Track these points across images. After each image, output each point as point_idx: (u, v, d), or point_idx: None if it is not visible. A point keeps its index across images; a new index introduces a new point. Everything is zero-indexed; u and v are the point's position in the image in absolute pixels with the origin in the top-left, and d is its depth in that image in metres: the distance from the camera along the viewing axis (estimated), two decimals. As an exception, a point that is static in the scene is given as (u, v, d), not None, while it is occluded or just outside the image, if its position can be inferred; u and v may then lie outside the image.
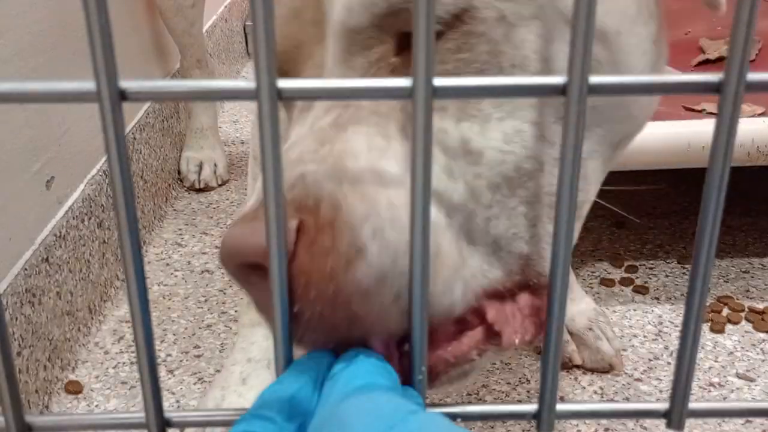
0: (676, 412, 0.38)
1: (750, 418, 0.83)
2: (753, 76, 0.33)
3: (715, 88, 0.33)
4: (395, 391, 0.35)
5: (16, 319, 0.84)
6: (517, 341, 0.42)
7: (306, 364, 0.36)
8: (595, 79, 0.33)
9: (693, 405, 0.38)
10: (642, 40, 0.46)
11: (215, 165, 1.38)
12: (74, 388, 0.91)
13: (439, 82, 0.32)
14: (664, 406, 0.38)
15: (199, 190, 1.36)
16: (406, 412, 0.30)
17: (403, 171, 0.41)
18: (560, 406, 0.38)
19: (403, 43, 0.43)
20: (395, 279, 0.38)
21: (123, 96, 0.32)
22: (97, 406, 0.89)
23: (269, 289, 0.36)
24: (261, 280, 0.38)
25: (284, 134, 0.46)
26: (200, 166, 1.36)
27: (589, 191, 0.47)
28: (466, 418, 0.38)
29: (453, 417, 0.38)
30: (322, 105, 0.44)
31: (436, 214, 0.41)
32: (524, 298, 0.44)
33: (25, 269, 0.86)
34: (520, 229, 0.43)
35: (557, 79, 0.33)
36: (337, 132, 0.42)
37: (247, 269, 0.38)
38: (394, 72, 0.43)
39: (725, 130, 0.33)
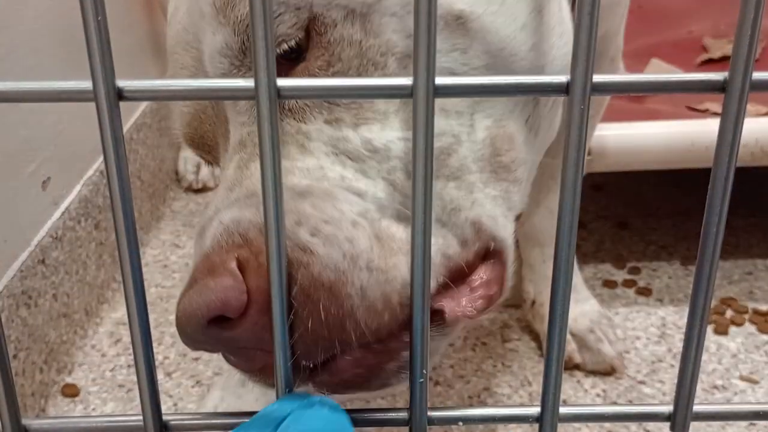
0: (680, 415, 0.37)
1: (754, 421, 0.83)
2: (758, 75, 0.32)
3: (719, 87, 0.32)
4: None
5: (12, 321, 0.83)
6: (460, 317, 0.41)
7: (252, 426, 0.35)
8: (598, 77, 0.32)
9: (697, 408, 0.37)
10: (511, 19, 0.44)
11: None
12: (71, 392, 0.90)
13: (440, 80, 0.32)
14: (668, 408, 0.38)
15: (197, 191, 1.36)
16: None
17: (312, 180, 0.41)
18: (563, 409, 0.37)
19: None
20: (353, 272, 0.38)
21: (120, 95, 0.32)
22: (93, 409, 0.88)
23: (236, 334, 0.37)
24: (227, 329, 0.38)
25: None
26: (198, 167, 1.36)
27: (518, 151, 0.46)
28: (468, 421, 0.37)
29: (455, 420, 0.37)
30: (229, 158, 0.45)
31: (365, 208, 0.41)
32: (479, 272, 0.43)
33: (21, 271, 0.86)
34: (458, 201, 0.43)
35: (560, 78, 0.32)
36: (241, 172, 0.43)
37: (209, 330, 0.38)
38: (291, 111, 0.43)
39: (730, 130, 0.33)
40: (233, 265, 0.38)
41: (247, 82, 0.32)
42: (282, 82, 0.32)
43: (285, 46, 0.42)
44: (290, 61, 0.42)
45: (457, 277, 0.42)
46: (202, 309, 0.37)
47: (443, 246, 0.42)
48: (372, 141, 0.42)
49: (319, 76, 0.42)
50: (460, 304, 0.41)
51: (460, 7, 0.42)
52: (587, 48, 0.31)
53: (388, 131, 0.42)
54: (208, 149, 0.50)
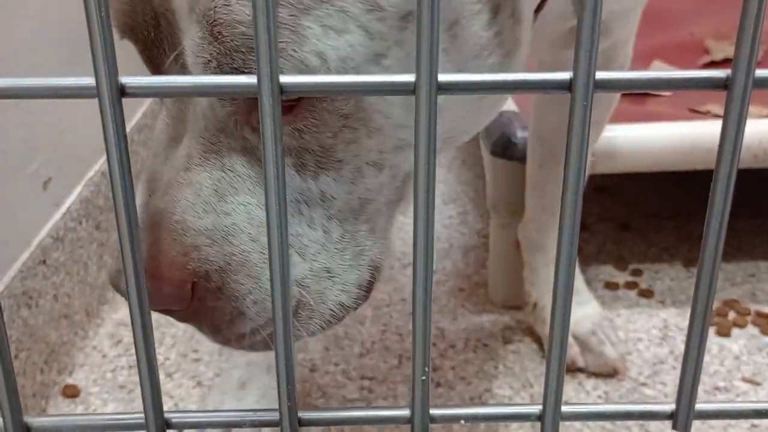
0: (682, 413, 0.37)
1: (756, 422, 0.83)
2: (761, 73, 0.32)
3: (722, 85, 0.32)
4: None
5: (13, 321, 0.83)
6: None
7: None
8: (601, 74, 0.32)
9: (699, 406, 0.37)
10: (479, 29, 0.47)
11: (215, 168, 1.36)
12: (71, 392, 0.90)
13: (443, 77, 0.32)
14: (670, 407, 0.38)
15: (199, 193, 1.35)
16: None
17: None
18: (565, 408, 0.37)
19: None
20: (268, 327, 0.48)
21: (123, 91, 0.32)
22: (94, 410, 0.88)
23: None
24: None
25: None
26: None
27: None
28: (470, 419, 0.37)
29: (456, 419, 0.37)
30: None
31: (302, 267, 0.48)
32: None
33: (22, 271, 0.86)
34: (367, 245, 0.51)
35: (563, 75, 0.32)
36: (219, 200, 0.47)
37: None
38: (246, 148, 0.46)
39: (733, 128, 0.32)
40: (188, 286, 0.46)
41: (250, 79, 0.32)
42: (285, 78, 0.32)
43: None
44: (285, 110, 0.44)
45: None
46: (156, 304, 0.44)
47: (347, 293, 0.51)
48: (326, 192, 0.47)
49: (305, 134, 0.45)
50: None
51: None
52: (590, 44, 0.31)
53: (341, 181, 0.48)
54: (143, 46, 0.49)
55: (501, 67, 0.48)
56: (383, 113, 0.45)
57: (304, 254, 0.48)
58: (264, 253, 0.46)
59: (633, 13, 0.73)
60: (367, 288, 0.52)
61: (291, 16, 0.41)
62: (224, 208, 0.46)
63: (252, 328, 0.48)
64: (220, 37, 0.41)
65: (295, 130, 0.45)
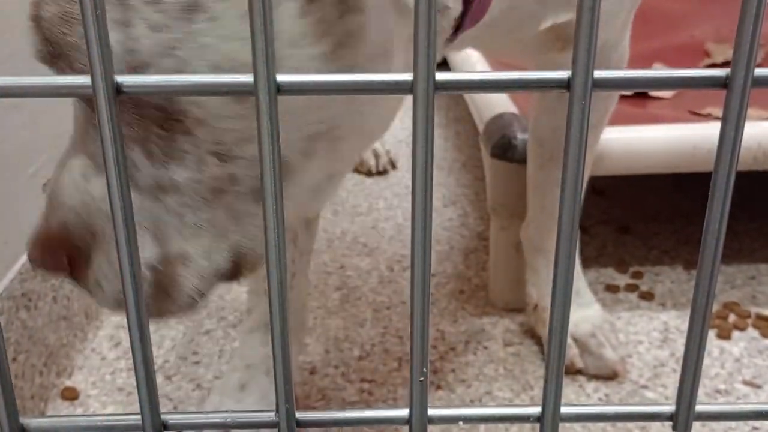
0: (682, 414, 0.37)
1: (757, 424, 0.83)
2: (761, 72, 0.32)
3: (722, 84, 0.32)
4: None
5: (12, 324, 0.83)
6: None
7: None
8: (599, 73, 0.32)
9: (700, 407, 0.37)
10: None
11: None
12: (70, 395, 0.90)
13: (440, 76, 0.32)
14: (670, 408, 0.37)
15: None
16: None
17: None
18: (564, 409, 0.37)
19: None
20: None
21: (119, 90, 0.32)
22: (93, 412, 0.88)
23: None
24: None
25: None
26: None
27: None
28: (468, 420, 0.37)
29: (455, 420, 0.37)
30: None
31: (156, 251, 0.51)
32: None
33: (21, 273, 0.86)
34: (229, 230, 0.52)
35: (561, 74, 0.32)
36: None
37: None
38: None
39: (732, 128, 0.32)
40: (64, 260, 0.52)
41: (247, 78, 0.32)
42: (282, 77, 0.32)
43: None
44: None
45: None
46: (38, 268, 0.53)
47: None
48: (177, 180, 0.49)
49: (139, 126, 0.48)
50: None
51: None
52: (588, 42, 0.31)
53: (187, 172, 0.50)
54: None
55: (334, 56, 0.46)
56: (198, 105, 0.46)
57: (160, 238, 0.50)
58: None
59: (615, 19, 0.72)
60: (231, 275, 0.54)
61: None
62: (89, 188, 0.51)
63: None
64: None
65: (138, 118, 0.47)
